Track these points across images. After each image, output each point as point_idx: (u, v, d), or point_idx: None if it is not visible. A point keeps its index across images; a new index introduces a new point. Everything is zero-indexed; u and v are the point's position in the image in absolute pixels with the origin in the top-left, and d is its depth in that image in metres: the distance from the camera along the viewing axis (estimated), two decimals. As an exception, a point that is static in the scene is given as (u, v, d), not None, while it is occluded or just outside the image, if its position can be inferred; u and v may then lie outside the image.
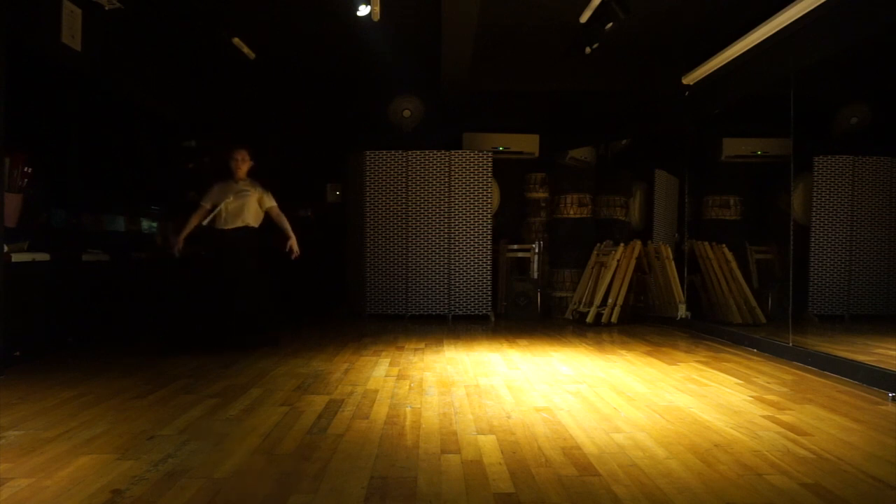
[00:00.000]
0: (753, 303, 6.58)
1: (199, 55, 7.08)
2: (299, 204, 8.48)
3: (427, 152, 7.52)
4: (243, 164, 5.27)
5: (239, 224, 5.17)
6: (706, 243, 6.99)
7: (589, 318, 7.13)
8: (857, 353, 4.88)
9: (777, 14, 4.99)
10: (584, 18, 5.77)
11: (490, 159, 7.54)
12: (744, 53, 5.63)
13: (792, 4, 4.81)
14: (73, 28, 5.00)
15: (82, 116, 5.51)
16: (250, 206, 5.19)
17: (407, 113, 8.05)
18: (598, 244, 7.84)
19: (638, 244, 7.41)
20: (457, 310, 7.48)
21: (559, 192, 8.17)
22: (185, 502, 2.06)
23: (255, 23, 6.34)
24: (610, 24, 5.50)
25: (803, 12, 4.74)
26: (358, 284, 7.68)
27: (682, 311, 6.88)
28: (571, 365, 4.64)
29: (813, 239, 6.57)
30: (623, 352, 5.25)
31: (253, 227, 5.24)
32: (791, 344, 4.92)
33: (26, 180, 4.58)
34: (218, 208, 5.15)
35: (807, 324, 6.37)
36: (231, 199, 5.15)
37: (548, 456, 2.55)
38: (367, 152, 7.52)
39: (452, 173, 7.49)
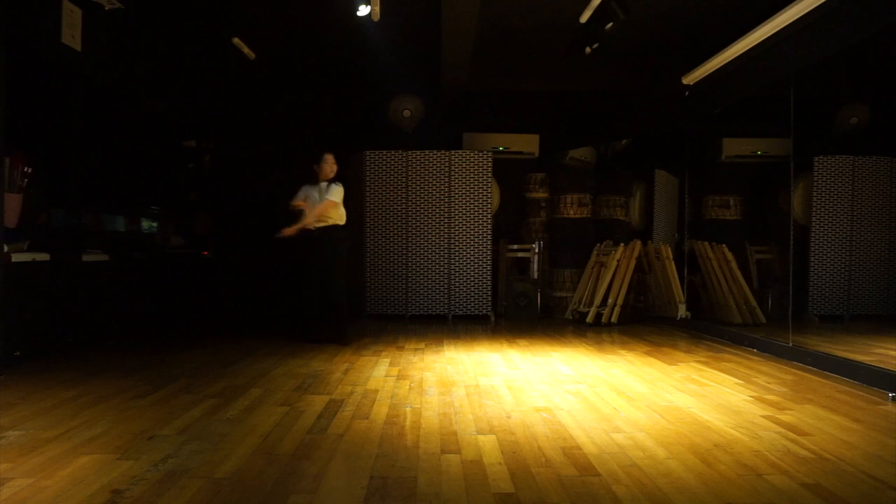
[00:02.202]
0: (753, 303, 6.58)
1: (199, 55, 7.08)
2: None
3: (427, 152, 7.52)
4: (332, 166, 5.60)
5: (329, 223, 5.50)
6: (706, 243, 6.99)
7: (589, 318, 7.13)
8: (857, 353, 4.88)
9: (777, 14, 4.99)
10: (584, 18, 5.77)
11: (490, 159, 7.54)
12: (744, 53, 5.63)
13: (792, 4, 4.81)
14: (73, 28, 5.00)
15: (82, 116, 5.50)
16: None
17: (407, 113, 8.05)
18: (598, 244, 7.84)
19: (638, 244, 7.41)
20: (457, 310, 7.48)
21: (559, 192, 8.17)
22: (185, 502, 2.06)
23: (255, 23, 6.34)
24: (610, 24, 5.50)
25: (803, 12, 4.74)
26: (358, 284, 7.68)
27: (682, 311, 6.88)
28: (571, 365, 4.64)
29: (813, 239, 6.56)
30: (623, 352, 5.25)
31: (340, 225, 5.57)
32: (791, 344, 4.92)
33: (26, 180, 4.58)
34: (304, 208, 5.53)
35: (807, 324, 6.37)
36: (317, 197, 5.51)
37: (548, 456, 2.55)
38: (367, 152, 7.52)
39: (452, 173, 7.49)
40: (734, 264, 6.76)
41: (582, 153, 8.40)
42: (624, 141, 8.71)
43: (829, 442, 2.75)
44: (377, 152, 7.52)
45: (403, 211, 7.50)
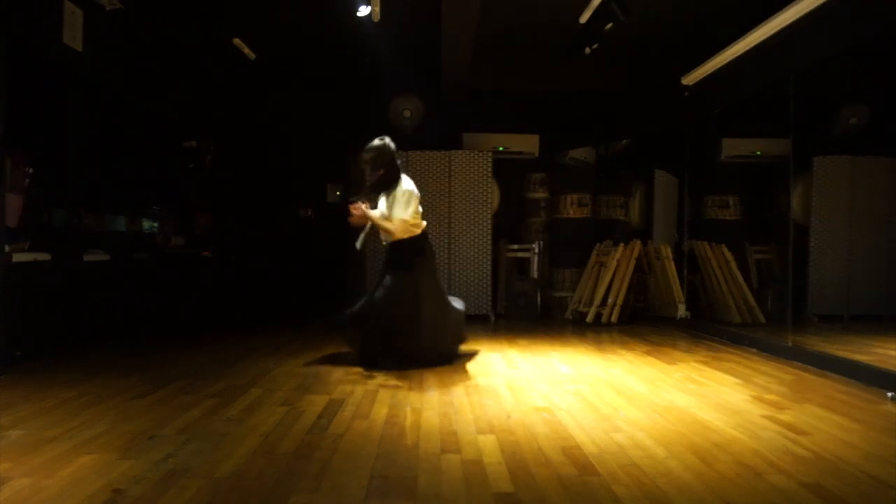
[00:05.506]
0: (753, 302, 6.59)
1: (199, 55, 7.08)
2: (299, 204, 8.50)
3: (427, 152, 7.51)
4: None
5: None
6: (706, 243, 6.99)
7: (589, 318, 7.13)
8: (857, 352, 4.88)
9: (777, 14, 4.99)
10: (583, 18, 5.77)
11: (490, 159, 7.53)
12: (744, 53, 5.62)
13: (792, 4, 4.81)
14: (74, 28, 5.00)
15: (83, 116, 5.51)
16: None
17: (407, 113, 8.05)
18: (598, 244, 7.84)
19: (638, 244, 7.41)
20: (457, 310, 7.47)
21: (559, 192, 8.17)
22: (186, 502, 2.06)
23: (255, 23, 6.35)
24: (610, 24, 5.50)
25: (803, 12, 4.74)
26: (358, 285, 7.67)
27: (682, 311, 6.88)
28: (571, 365, 4.64)
29: (812, 239, 6.56)
30: (623, 352, 5.25)
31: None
32: (790, 343, 4.92)
33: (27, 180, 4.58)
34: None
35: (806, 323, 6.37)
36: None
37: (548, 455, 2.55)
38: (368, 152, 7.51)
39: (452, 173, 7.49)
40: (733, 264, 6.76)
41: (582, 153, 8.38)
42: (624, 141, 8.71)
43: (829, 441, 2.75)
44: (377, 152, 7.50)
45: (403, 211, 7.48)
